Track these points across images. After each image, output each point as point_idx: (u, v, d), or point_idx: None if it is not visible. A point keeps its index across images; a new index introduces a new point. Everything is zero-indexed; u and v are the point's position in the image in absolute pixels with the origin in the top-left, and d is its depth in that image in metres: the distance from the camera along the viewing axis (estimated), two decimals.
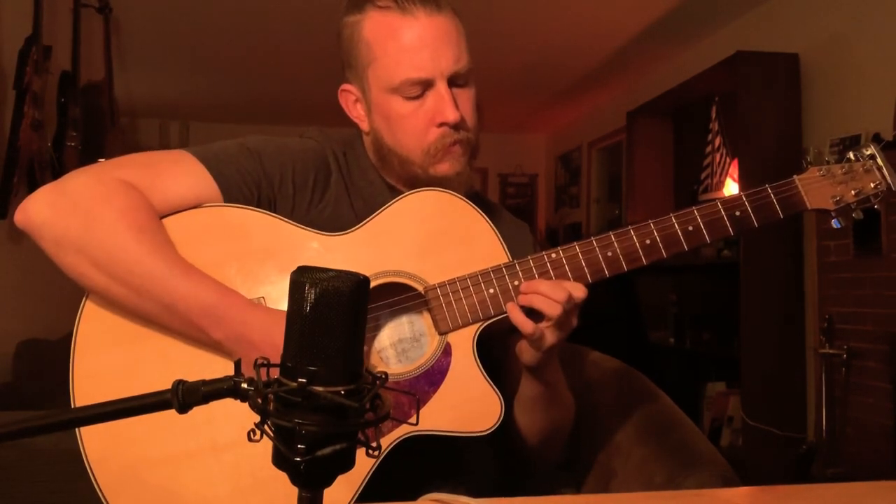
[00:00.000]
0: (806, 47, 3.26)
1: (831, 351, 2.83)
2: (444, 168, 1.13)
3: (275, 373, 0.56)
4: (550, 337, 1.04)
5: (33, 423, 0.60)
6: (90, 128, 3.63)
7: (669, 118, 4.42)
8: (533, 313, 1.04)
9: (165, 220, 1.06)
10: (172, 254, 1.02)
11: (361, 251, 1.09)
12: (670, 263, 4.10)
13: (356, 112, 1.20)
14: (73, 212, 1.01)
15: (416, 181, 1.16)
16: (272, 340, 0.97)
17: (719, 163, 3.71)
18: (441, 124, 1.11)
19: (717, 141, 3.75)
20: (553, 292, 1.02)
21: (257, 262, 1.07)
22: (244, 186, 1.09)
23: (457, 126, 1.12)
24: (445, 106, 1.10)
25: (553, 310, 1.02)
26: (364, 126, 1.20)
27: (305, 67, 4.38)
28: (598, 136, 5.50)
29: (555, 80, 4.99)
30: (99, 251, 1.00)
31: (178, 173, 1.08)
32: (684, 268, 4.04)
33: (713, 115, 3.80)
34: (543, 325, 1.03)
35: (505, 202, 6.49)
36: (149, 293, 1.00)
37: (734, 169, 3.51)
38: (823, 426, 2.83)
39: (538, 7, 3.67)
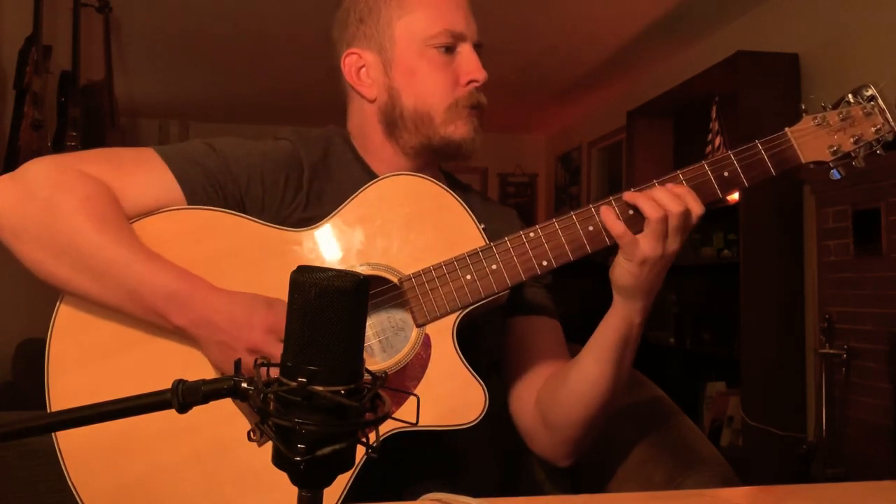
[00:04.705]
0: (806, 47, 3.26)
1: (831, 351, 2.83)
2: (462, 128, 1.15)
3: (274, 372, 0.56)
4: (645, 246, 1.00)
5: (33, 423, 0.60)
6: (90, 128, 3.63)
7: (669, 118, 4.41)
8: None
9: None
10: (135, 241, 1.01)
11: (332, 244, 1.06)
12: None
13: (360, 80, 1.18)
14: (32, 200, 0.99)
15: (428, 147, 1.16)
16: (234, 317, 0.97)
17: None
18: (470, 82, 1.15)
19: (717, 141, 3.75)
20: (663, 196, 1.00)
21: (225, 262, 1.04)
22: (209, 187, 1.07)
23: (480, 89, 1.16)
24: (475, 65, 1.15)
25: (654, 211, 0.99)
26: (370, 93, 1.18)
27: (305, 67, 4.38)
28: (598, 136, 5.50)
29: (555, 80, 4.98)
30: (59, 239, 0.98)
31: (142, 173, 1.06)
32: (684, 268, 4.04)
33: (713, 115, 3.80)
34: (642, 234, 1.00)
35: (505, 202, 6.49)
36: (112, 280, 0.98)
37: None
38: (823, 426, 2.83)
39: (538, 7, 3.67)
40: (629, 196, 1.03)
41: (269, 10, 3.67)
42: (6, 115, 3.46)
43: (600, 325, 1.10)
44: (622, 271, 1.04)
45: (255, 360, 0.58)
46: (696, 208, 1.01)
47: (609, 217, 1.02)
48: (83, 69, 3.60)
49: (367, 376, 0.57)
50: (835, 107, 1.06)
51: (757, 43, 3.46)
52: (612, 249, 1.08)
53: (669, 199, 1.01)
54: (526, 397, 1.18)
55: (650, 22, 3.88)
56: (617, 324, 1.08)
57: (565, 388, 1.12)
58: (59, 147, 3.47)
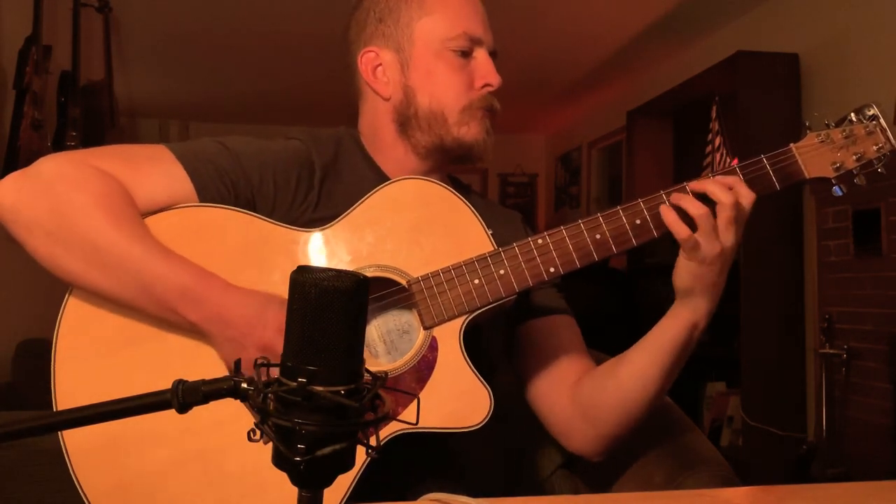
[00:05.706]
0: (806, 47, 3.26)
1: (831, 351, 2.83)
2: (474, 129, 1.16)
3: (274, 372, 0.56)
4: (706, 246, 1.02)
5: (34, 423, 0.60)
6: (90, 128, 3.63)
7: (669, 118, 4.41)
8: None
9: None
10: (150, 237, 1.01)
11: (341, 246, 1.07)
12: (671, 263, 4.09)
13: (375, 78, 1.19)
14: (45, 195, 0.99)
15: (440, 147, 1.17)
16: (246, 315, 0.97)
17: (719, 163, 3.71)
18: (484, 86, 1.17)
19: (717, 141, 3.75)
20: (714, 188, 1.02)
21: (234, 260, 1.05)
22: (221, 185, 1.08)
23: (495, 93, 1.18)
24: (491, 69, 1.17)
25: (697, 208, 1.01)
26: (385, 91, 1.18)
27: (305, 67, 4.38)
28: (598, 136, 5.50)
29: (555, 80, 4.99)
30: (73, 234, 0.98)
31: (154, 169, 1.06)
32: None
33: (713, 115, 3.80)
34: (696, 233, 1.02)
35: (505, 202, 6.49)
36: (126, 275, 0.98)
37: None
38: (823, 426, 2.83)
39: (538, 8, 3.67)
40: (675, 197, 1.04)
41: (268, 10, 3.67)
42: (6, 115, 3.46)
43: (660, 326, 1.10)
44: (685, 273, 1.05)
45: (255, 360, 0.58)
46: (747, 195, 1.03)
47: (671, 218, 1.03)
48: (83, 69, 3.60)
49: (367, 376, 0.57)
50: (838, 124, 1.08)
51: (757, 43, 3.46)
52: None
53: (719, 191, 1.02)
54: (557, 395, 1.18)
55: (650, 22, 3.88)
56: (680, 326, 1.08)
57: (613, 385, 1.13)
58: (59, 147, 3.47)
